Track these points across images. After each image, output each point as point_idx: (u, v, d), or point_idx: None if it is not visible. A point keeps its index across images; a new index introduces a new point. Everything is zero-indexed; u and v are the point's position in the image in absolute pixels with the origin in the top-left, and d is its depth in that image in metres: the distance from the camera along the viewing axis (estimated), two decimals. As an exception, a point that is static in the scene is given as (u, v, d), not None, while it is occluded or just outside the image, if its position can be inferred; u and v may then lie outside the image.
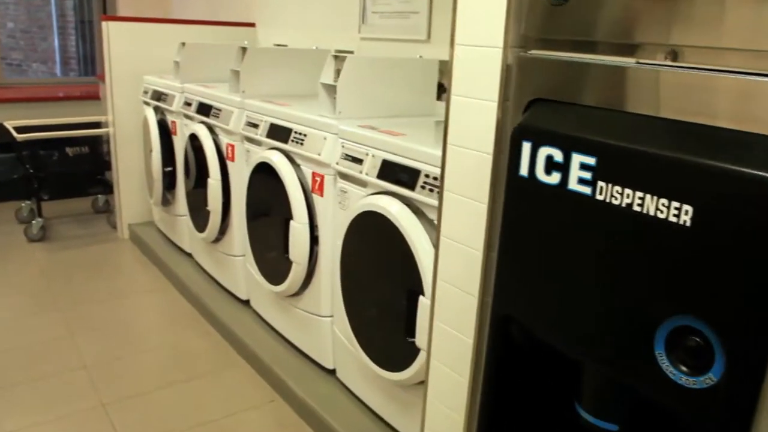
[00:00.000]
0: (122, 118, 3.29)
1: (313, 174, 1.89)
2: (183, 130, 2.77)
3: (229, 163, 2.39)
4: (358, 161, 1.68)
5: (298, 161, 1.96)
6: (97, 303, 2.67)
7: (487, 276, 1.17)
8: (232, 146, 2.35)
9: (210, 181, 2.42)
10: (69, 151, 3.37)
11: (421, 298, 1.45)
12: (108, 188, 3.63)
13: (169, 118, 2.89)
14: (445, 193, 1.21)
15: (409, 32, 2.46)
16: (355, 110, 1.87)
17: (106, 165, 3.56)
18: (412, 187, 1.50)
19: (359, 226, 1.66)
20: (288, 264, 1.98)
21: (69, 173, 3.53)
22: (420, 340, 1.48)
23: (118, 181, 3.36)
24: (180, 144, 2.83)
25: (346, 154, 1.72)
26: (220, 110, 2.40)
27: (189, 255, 3.01)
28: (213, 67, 2.85)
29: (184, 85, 2.75)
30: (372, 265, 1.64)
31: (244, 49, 2.33)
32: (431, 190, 1.45)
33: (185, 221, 2.92)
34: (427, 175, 1.47)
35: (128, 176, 3.37)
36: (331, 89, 1.89)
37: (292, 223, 1.92)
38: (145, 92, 3.10)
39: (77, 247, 3.30)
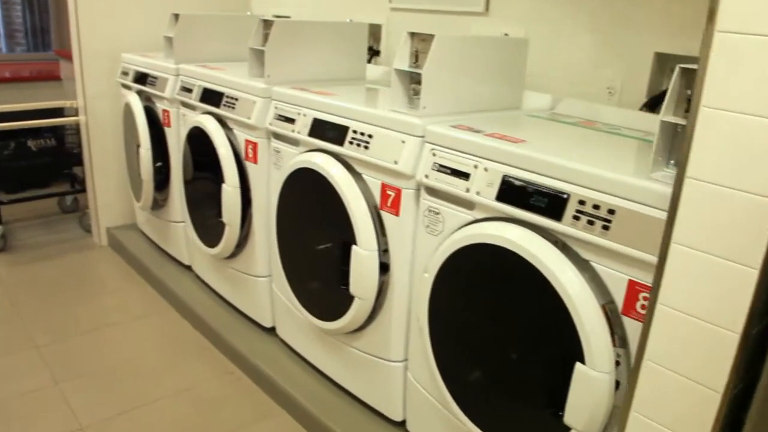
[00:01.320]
0: (96, 104, 2.76)
1: (383, 187, 1.49)
2: (180, 121, 2.30)
3: (249, 165, 1.96)
4: (462, 176, 1.29)
5: (359, 169, 1.55)
6: (82, 335, 2.20)
7: (740, 366, 0.82)
8: (255, 145, 1.91)
9: (225, 187, 1.98)
10: (31, 144, 2.84)
11: (579, 366, 1.09)
12: (78, 185, 3.11)
13: (160, 105, 2.40)
14: (674, 246, 0.85)
15: (457, 2, 2.06)
16: (440, 105, 1.47)
17: (75, 159, 3.03)
18: (557, 217, 1.12)
19: (465, 261, 1.28)
20: (345, 297, 1.59)
21: (29, 168, 3.00)
22: (575, 419, 1.12)
23: (93, 178, 2.85)
24: (175, 138, 2.36)
25: (440, 165, 1.33)
26: (236, 99, 1.95)
27: (187, 267, 2.56)
28: (213, 44, 2.38)
29: (179, 67, 2.27)
30: (489, 312, 1.27)
31: (268, 23, 1.88)
32: (590, 223, 1.08)
33: (182, 229, 2.46)
34: (581, 202, 1.09)
35: (104, 172, 2.86)
36: (406, 77, 1.48)
37: (355, 249, 1.52)
38: (125, 73, 2.59)
39: (47, 258, 2.79)
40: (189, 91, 2.18)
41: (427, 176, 1.36)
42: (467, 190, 1.27)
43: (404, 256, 1.49)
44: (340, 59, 2.04)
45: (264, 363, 1.94)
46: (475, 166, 1.27)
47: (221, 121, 2.04)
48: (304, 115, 1.70)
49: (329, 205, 1.57)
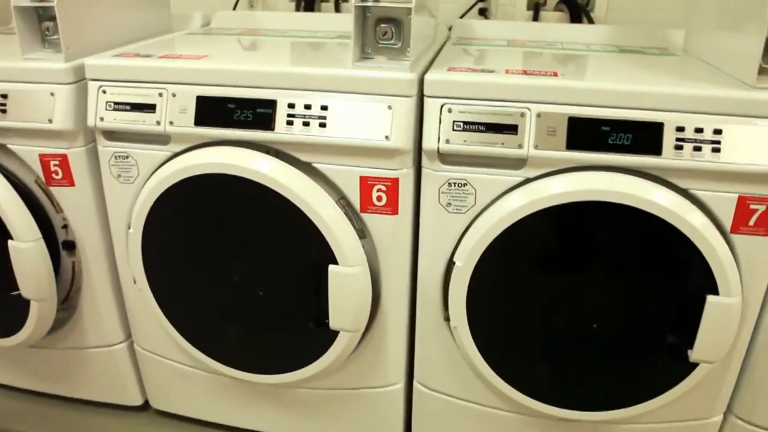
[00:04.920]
0: None
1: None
2: (117, 170, 1.15)
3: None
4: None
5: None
6: None
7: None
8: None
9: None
10: None
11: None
12: None
13: (24, 148, 1.17)
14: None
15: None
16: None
17: None
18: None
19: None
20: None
21: None
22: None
23: None
24: (88, 203, 1.20)
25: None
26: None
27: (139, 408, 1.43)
28: (117, 18, 1.29)
29: (86, 64, 1.10)
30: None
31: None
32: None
33: (123, 352, 1.36)
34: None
35: None
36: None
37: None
38: None
39: None
40: (147, 110, 1.07)
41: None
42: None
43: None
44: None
45: None
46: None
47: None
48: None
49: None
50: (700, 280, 0.97)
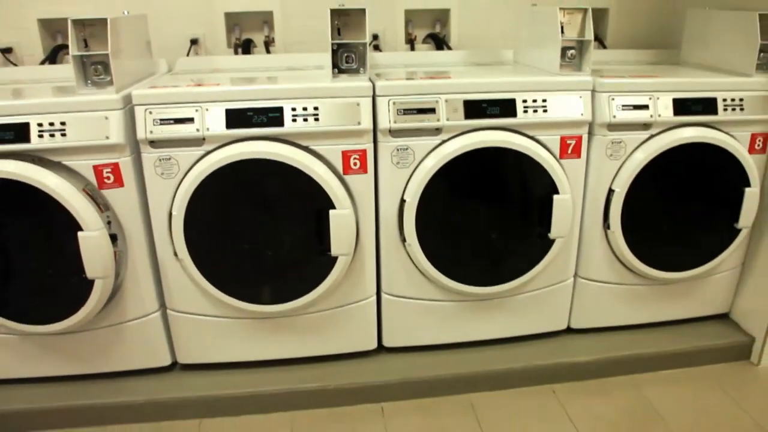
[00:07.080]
0: None
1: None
2: (161, 169, 1.50)
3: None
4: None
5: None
6: None
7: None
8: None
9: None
10: None
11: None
12: None
13: (84, 163, 1.53)
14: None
15: None
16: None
17: None
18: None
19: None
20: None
21: None
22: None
23: None
24: (132, 199, 1.53)
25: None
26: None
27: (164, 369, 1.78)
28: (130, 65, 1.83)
29: (134, 94, 1.53)
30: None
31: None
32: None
33: (153, 322, 1.61)
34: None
35: None
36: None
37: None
38: None
39: None
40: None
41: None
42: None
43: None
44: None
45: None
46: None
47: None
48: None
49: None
50: (549, 187, 1.66)
